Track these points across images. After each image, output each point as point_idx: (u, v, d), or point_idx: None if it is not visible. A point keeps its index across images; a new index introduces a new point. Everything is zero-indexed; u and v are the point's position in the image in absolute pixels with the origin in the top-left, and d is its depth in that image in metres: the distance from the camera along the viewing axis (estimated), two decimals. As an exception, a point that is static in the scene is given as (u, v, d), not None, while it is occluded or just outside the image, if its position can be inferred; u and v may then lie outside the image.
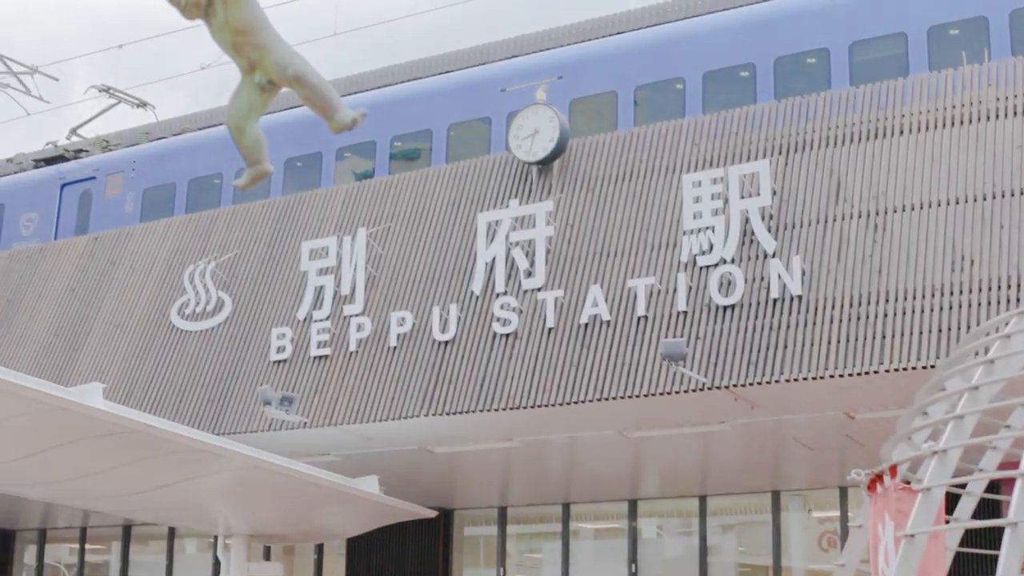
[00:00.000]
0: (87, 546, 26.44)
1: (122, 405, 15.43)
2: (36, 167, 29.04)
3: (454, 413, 16.60)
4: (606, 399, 15.58)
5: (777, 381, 14.59)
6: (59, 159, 28.63)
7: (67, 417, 12.76)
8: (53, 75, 31.00)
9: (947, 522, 7.01)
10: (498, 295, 16.87)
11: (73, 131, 30.23)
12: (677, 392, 15.11)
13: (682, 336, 15.24)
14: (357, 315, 17.86)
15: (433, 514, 18.97)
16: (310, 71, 4.22)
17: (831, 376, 14.32)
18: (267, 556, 22.65)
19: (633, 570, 20.89)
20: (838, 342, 14.41)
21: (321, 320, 18.12)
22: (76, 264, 21.62)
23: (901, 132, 15.33)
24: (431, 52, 25.81)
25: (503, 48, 24.11)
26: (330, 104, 4.26)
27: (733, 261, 15.40)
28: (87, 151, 28.41)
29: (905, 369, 13.94)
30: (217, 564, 20.41)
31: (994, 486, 8.69)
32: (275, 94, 4.34)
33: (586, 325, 16.09)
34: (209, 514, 17.66)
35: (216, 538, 20.30)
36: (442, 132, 22.23)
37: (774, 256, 15.17)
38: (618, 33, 22.62)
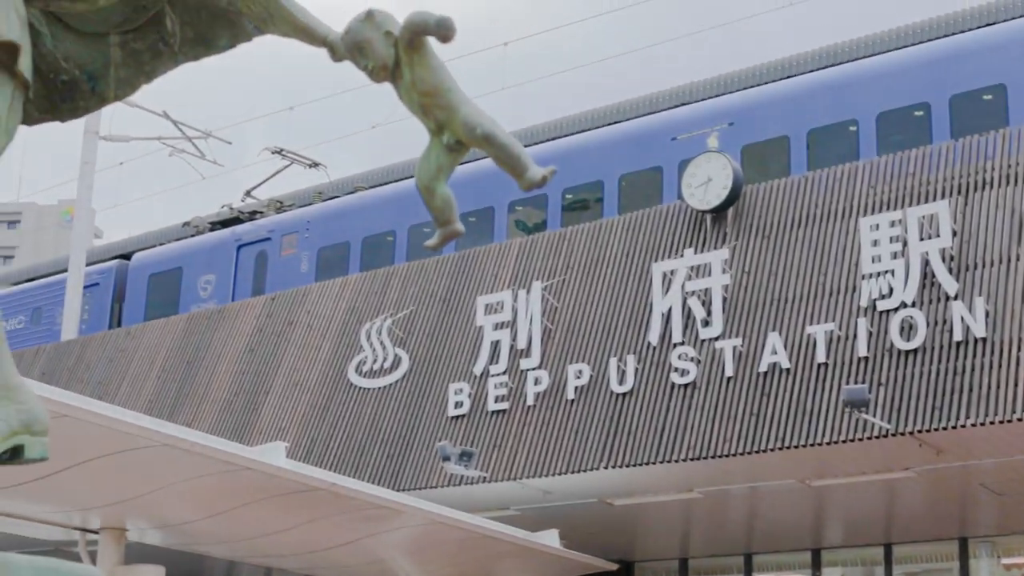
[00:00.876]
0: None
1: (304, 463, 15.59)
2: (212, 230, 29.66)
3: (633, 465, 16.49)
4: (787, 447, 15.35)
5: (963, 426, 14.24)
6: (234, 221, 29.20)
7: (251, 476, 12.92)
8: (226, 139, 31.68)
9: None
10: (675, 345, 16.75)
11: (247, 193, 30.85)
12: (860, 439, 14.84)
13: (864, 382, 14.96)
14: (534, 369, 17.86)
15: (614, 567, 18.83)
16: (499, 130, 4.19)
17: (1018, 419, 13.93)
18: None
19: (819, 622, 20.50)
20: (1028, 385, 14.02)
21: (498, 374, 18.15)
22: (254, 324, 21.98)
23: (1088, 167, 14.93)
24: (600, 103, 25.82)
25: (673, 97, 24.05)
26: (520, 162, 4.22)
27: (914, 304, 15.10)
28: (262, 212, 28.94)
29: (1101, 411, 13.51)
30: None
31: None
32: (463, 154, 4.32)
33: (765, 373, 15.89)
34: (391, 570, 17.73)
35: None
36: (613, 183, 22.20)
37: (956, 298, 14.84)
38: (788, 77, 22.42)
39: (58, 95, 4.47)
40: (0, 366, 3.85)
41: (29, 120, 4.34)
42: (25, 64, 4.04)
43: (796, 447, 15.28)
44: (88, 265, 28.79)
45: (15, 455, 3.85)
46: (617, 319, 17.47)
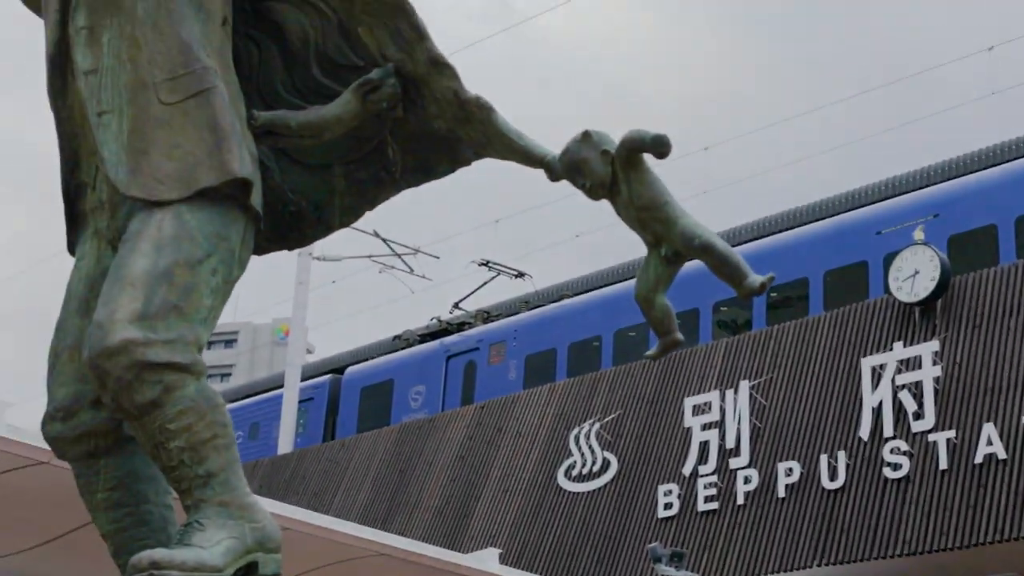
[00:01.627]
0: None
1: (516, 569, 15.71)
2: (422, 342, 30.15)
3: (847, 562, 16.27)
4: (1007, 540, 15.01)
5: None
6: (443, 333, 29.65)
7: (467, 583, 13.07)
8: (434, 253, 32.28)
9: None
10: (887, 439, 16.56)
11: (455, 305, 31.32)
12: (1085, 530, 14.46)
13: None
14: (743, 468, 17.78)
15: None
16: (717, 241, 4.29)
17: None
18: None
19: None
20: None
21: (707, 475, 18.11)
22: (464, 433, 22.28)
23: None
24: (802, 201, 25.71)
25: (876, 191, 23.89)
26: (739, 271, 4.31)
27: None
28: (469, 323, 29.34)
29: None
30: None
31: None
32: (681, 266, 4.43)
33: (981, 465, 15.60)
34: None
35: None
36: (818, 279, 22.07)
37: None
38: (992, 165, 22.12)
39: (286, 225, 4.72)
40: (235, 485, 4.01)
41: (259, 250, 4.58)
42: (256, 199, 4.30)
43: (1016, 539, 14.93)
44: (302, 381, 29.48)
45: (249, 572, 4.00)
46: (827, 415, 17.33)
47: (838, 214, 23.43)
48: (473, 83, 4.48)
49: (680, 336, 4.51)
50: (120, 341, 3.86)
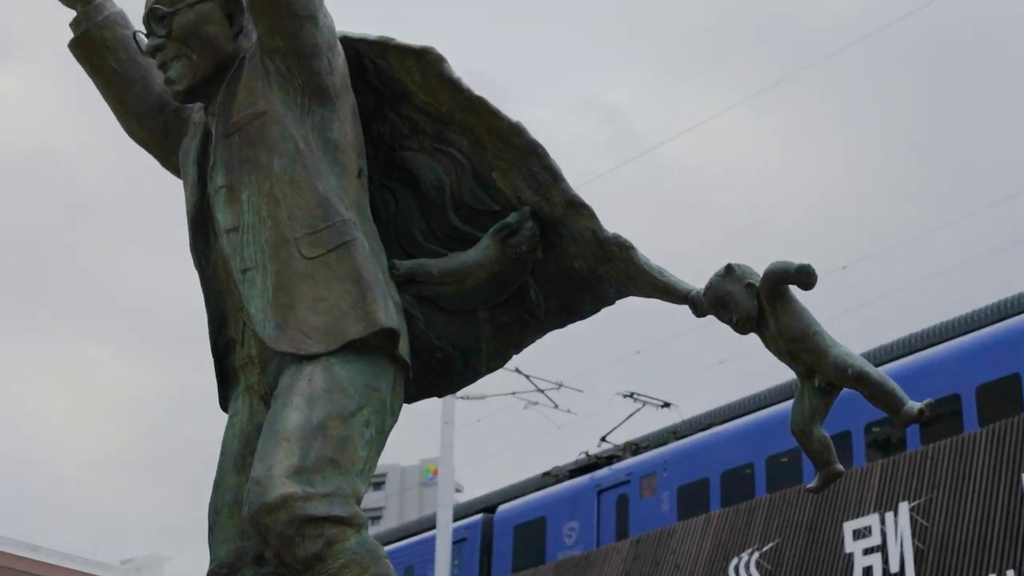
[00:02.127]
0: None
1: None
2: (571, 477, 29.98)
3: None
4: None
5: None
6: (592, 467, 29.46)
7: None
8: (578, 387, 32.23)
9: None
10: (1057, 557, 16.04)
11: (603, 439, 31.17)
12: None
13: None
14: (909, 592, 17.32)
15: None
16: (871, 369, 4.22)
17: None
18: None
19: None
20: None
21: (872, 601, 17.66)
22: (620, 568, 22.01)
23: None
24: (945, 315, 25.31)
25: (1021, 302, 23.44)
26: (895, 399, 4.23)
27: None
28: (618, 456, 29.15)
29: None
30: None
31: None
32: (836, 396, 4.35)
33: None
34: None
35: None
36: (970, 394, 21.61)
37: None
38: None
39: (434, 372, 4.74)
40: None
41: (409, 399, 4.60)
42: (404, 348, 4.33)
43: None
44: (454, 521, 29.43)
45: None
46: (991, 534, 16.86)
47: (985, 326, 22.99)
48: (602, 213, 4.48)
49: (840, 467, 4.41)
50: (279, 497, 3.89)
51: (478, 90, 4.47)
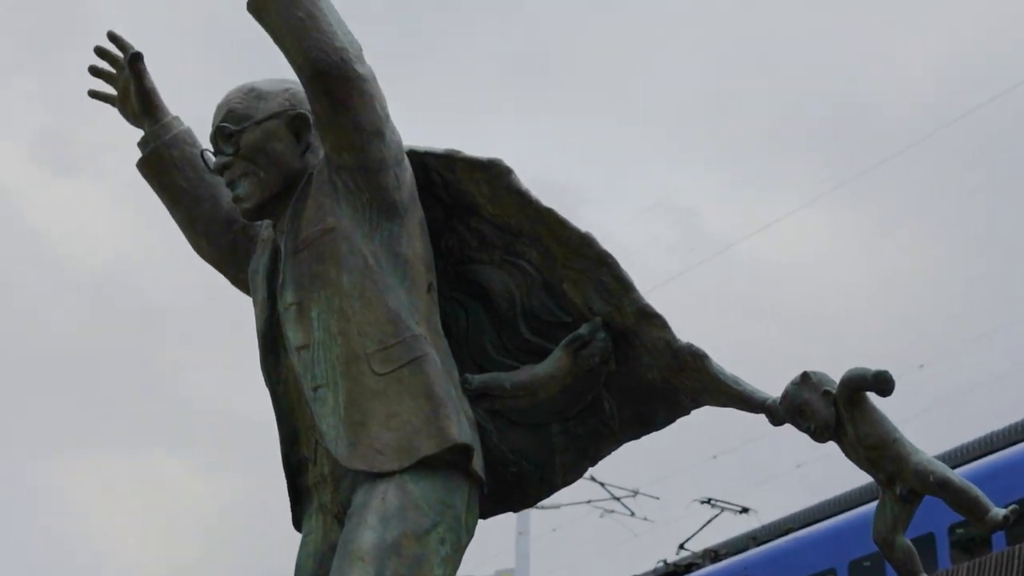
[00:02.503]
0: None
1: None
2: (649, 586, 29.65)
3: None
4: None
5: None
6: (671, 575, 29.14)
7: None
8: (654, 494, 31.97)
9: None
10: None
11: (681, 546, 30.84)
12: None
13: None
14: None
15: None
16: (953, 475, 4.15)
17: None
18: None
19: None
20: None
21: None
22: None
23: None
24: (1024, 411, 24.93)
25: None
26: (979, 505, 4.16)
27: None
28: (698, 564, 28.82)
29: None
30: None
31: None
32: (918, 503, 4.28)
33: None
34: None
35: None
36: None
37: None
38: None
39: (508, 487, 4.67)
40: None
41: (484, 514, 4.54)
42: (478, 464, 4.28)
43: None
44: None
45: None
46: (1085, 638, 16.45)
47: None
48: (674, 314, 4.43)
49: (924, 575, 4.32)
50: None
51: (546, 198, 4.46)
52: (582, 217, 4.45)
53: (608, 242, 4.46)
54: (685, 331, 4.45)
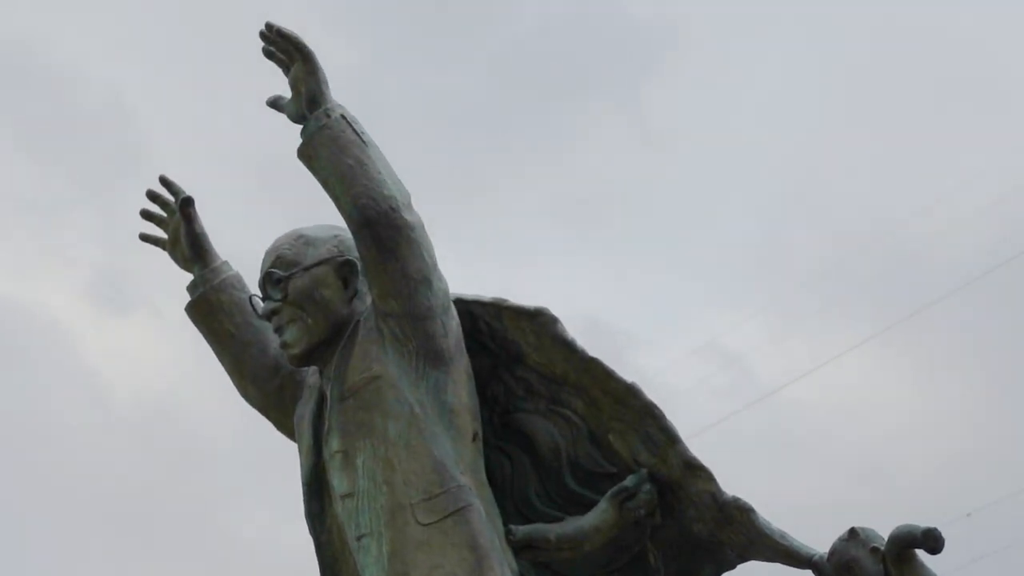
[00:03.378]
0: None
1: None
2: None
3: None
4: None
5: None
6: None
7: None
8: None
9: None
10: None
11: None
12: None
13: None
14: None
15: None
16: None
17: None
18: None
19: None
20: None
21: None
22: None
23: None
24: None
25: None
26: None
27: None
28: None
29: None
30: None
31: None
32: None
33: None
34: None
35: None
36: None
37: None
38: None
39: None
40: None
41: None
42: None
43: None
44: None
45: None
46: None
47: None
48: (722, 459, 4.38)
49: None
50: None
51: (597, 339, 4.44)
52: (631, 359, 4.42)
53: (656, 384, 4.43)
54: (732, 474, 4.41)
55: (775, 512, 4.42)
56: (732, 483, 4.43)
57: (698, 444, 4.49)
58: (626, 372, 4.46)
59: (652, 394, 4.41)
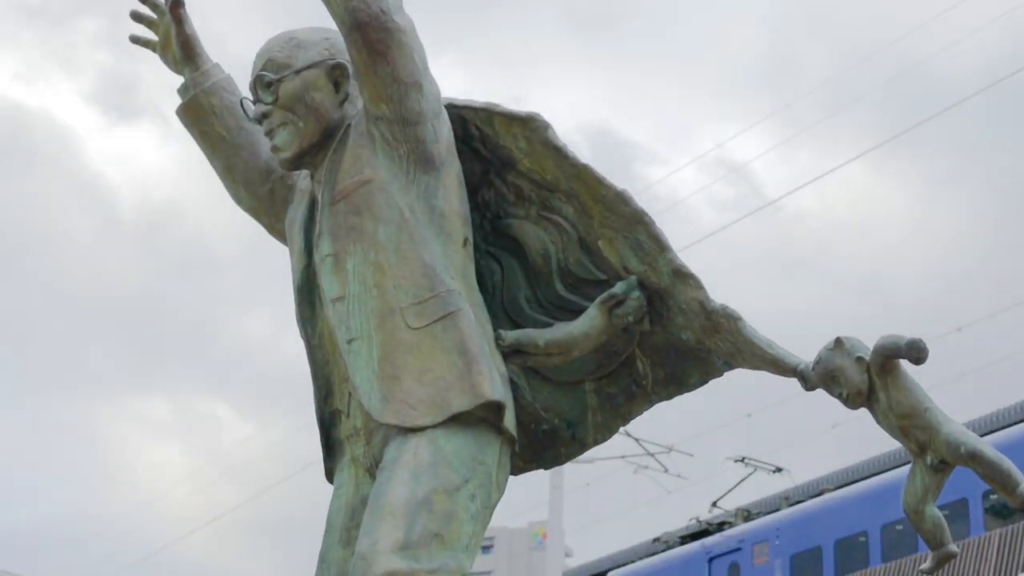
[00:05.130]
0: None
1: None
2: (682, 543, 29.69)
3: None
4: None
5: None
6: (703, 533, 29.16)
7: None
8: (687, 451, 31.97)
9: None
10: None
11: (714, 504, 30.86)
12: None
13: None
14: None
15: None
16: (985, 447, 4.11)
17: None
18: None
19: None
20: None
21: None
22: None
23: None
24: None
25: None
26: (1010, 479, 4.11)
27: None
28: (730, 522, 28.83)
29: None
30: None
31: None
32: (949, 473, 4.23)
33: None
34: None
35: None
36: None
37: None
38: None
39: (540, 444, 4.65)
40: None
41: (515, 471, 4.53)
42: (510, 421, 4.26)
43: None
44: (564, 587, 29.24)
45: None
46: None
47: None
48: (724, 269, 4.39)
49: (955, 548, 4.28)
50: (384, 572, 3.85)
51: (602, 156, 4.45)
52: (638, 171, 4.40)
53: (661, 195, 4.42)
54: (733, 285, 4.42)
55: (773, 325, 4.44)
56: (733, 296, 4.45)
57: (700, 254, 4.48)
58: (633, 183, 4.48)
59: (656, 204, 4.41)
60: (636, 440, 30.98)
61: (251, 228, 4.86)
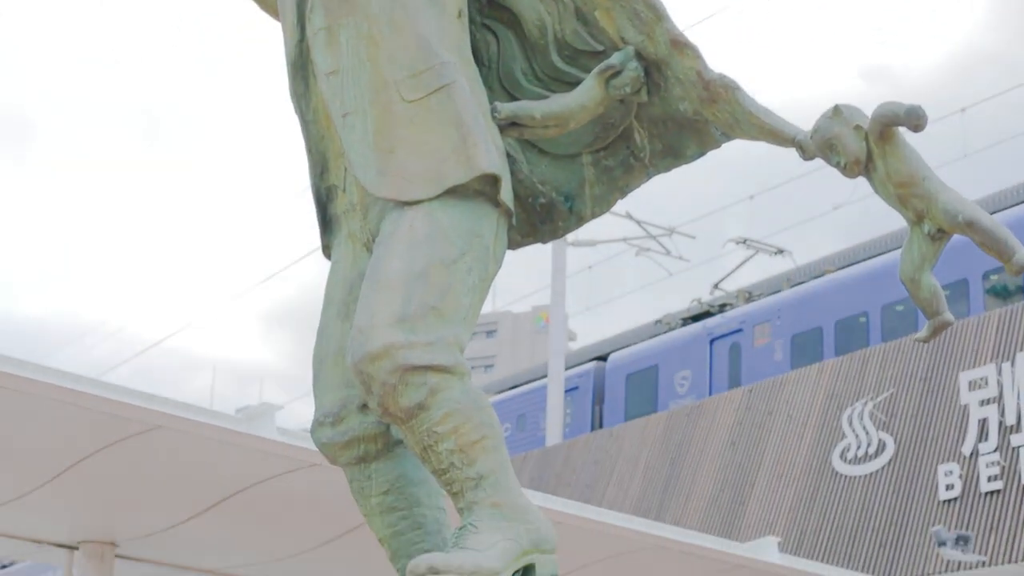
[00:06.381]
0: None
1: (796, 556, 15.43)
2: (684, 325, 29.96)
3: None
4: None
5: None
6: (705, 315, 29.41)
7: (744, 575, 12.88)
8: (690, 234, 32.03)
9: None
10: None
11: (715, 286, 31.06)
12: None
13: None
14: (1026, 444, 17.13)
15: None
16: (981, 215, 4.07)
17: None
18: None
19: None
20: None
21: (989, 453, 17.50)
22: (734, 417, 22.02)
23: None
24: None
25: None
26: (1006, 246, 4.07)
27: None
28: (731, 304, 29.05)
29: None
30: None
31: None
32: (946, 242, 4.21)
33: None
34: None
35: None
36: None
37: None
38: None
39: (537, 218, 4.63)
40: (507, 486, 3.97)
41: (513, 245, 4.51)
42: (506, 193, 4.23)
43: None
44: (566, 369, 29.57)
45: (526, 574, 3.96)
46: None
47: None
48: (729, 50, 4.31)
49: (951, 316, 4.28)
50: (382, 345, 3.84)
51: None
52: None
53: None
54: (737, 65, 4.35)
55: (777, 105, 4.38)
56: (737, 77, 4.37)
57: (704, 31, 4.40)
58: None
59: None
60: (638, 223, 31.03)
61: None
